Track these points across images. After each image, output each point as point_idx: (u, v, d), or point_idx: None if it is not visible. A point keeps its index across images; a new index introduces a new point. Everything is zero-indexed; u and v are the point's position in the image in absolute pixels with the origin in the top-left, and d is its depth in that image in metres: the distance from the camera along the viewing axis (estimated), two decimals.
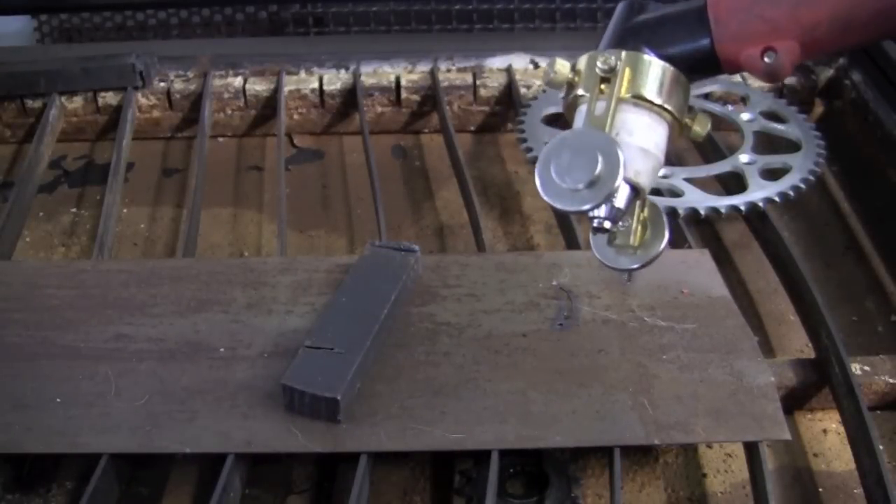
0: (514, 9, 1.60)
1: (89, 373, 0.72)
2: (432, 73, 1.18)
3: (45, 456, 0.70)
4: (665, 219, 0.66)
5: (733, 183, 0.98)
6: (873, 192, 1.06)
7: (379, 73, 1.20)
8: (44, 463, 0.72)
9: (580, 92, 0.63)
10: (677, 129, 0.64)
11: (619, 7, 0.65)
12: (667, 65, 0.62)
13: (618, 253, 0.68)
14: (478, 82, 1.17)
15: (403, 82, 1.17)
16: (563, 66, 0.63)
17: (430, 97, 1.17)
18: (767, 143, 1.05)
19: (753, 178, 0.96)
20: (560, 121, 1.09)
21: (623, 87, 0.61)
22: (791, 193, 0.94)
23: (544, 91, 1.14)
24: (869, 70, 1.14)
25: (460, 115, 1.18)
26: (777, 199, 0.93)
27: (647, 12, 0.64)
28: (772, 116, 1.07)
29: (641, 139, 0.62)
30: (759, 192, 0.94)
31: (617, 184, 0.58)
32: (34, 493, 0.70)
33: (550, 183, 0.59)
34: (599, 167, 0.58)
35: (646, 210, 0.67)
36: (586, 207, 0.59)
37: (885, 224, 1.00)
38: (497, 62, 1.21)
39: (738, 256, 0.96)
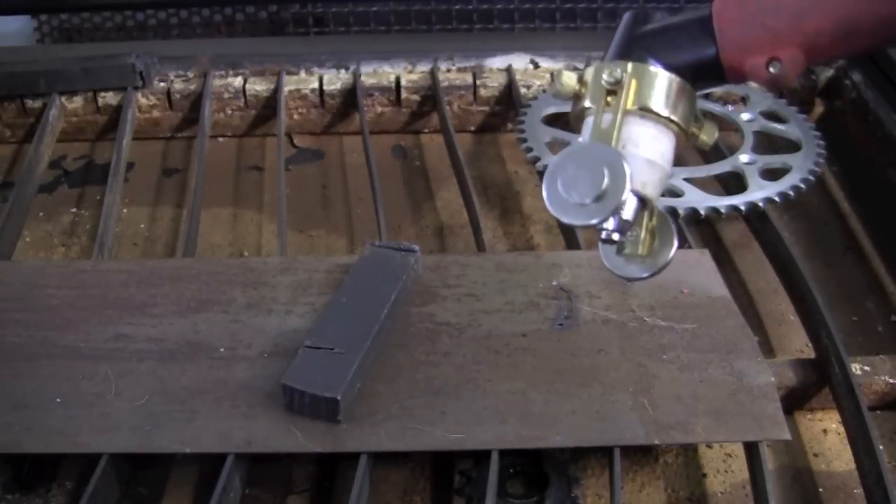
0: (514, 9, 1.60)
1: (89, 373, 0.72)
2: (432, 73, 1.19)
3: (45, 456, 0.70)
4: (673, 227, 0.66)
5: (733, 183, 0.98)
6: (873, 192, 1.06)
7: (379, 73, 1.20)
8: (44, 463, 0.72)
9: (587, 104, 0.63)
10: (683, 139, 0.64)
11: (625, 17, 0.64)
12: (673, 76, 0.61)
13: (627, 262, 0.68)
14: (478, 82, 1.17)
15: (403, 82, 1.17)
16: (569, 77, 0.63)
17: (430, 97, 1.17)
18: (767, 143, 1.05)
19: (753, 178, 0.96)
20: (560, 121, 1.09)
21: (629, 100, 0.61)
22: (791, 193, 0.94)
23: (544, 91, 1.14)
24: (869, 70, 1.14)
25: (460, 115, 1.18)
26: (777, 199, 0.93)
27: (653, 22, 0.63)
28: (772, 116, 1.08)
29: (648, 151, 0.62)
30: (759, 192, 0.94)
31: (623, 197, 0.58)
32: (34, 493, 0.70)
33: (557, 197, 0.60)
34: (606, 181, 0.58)
35: (654, 219, 0.67)
36: (594, 222, 0.59)
37: (885, 224, 1.00)
38: (497, 62, 1.21)
39: (738, 256, 0.96)
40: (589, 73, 0.63)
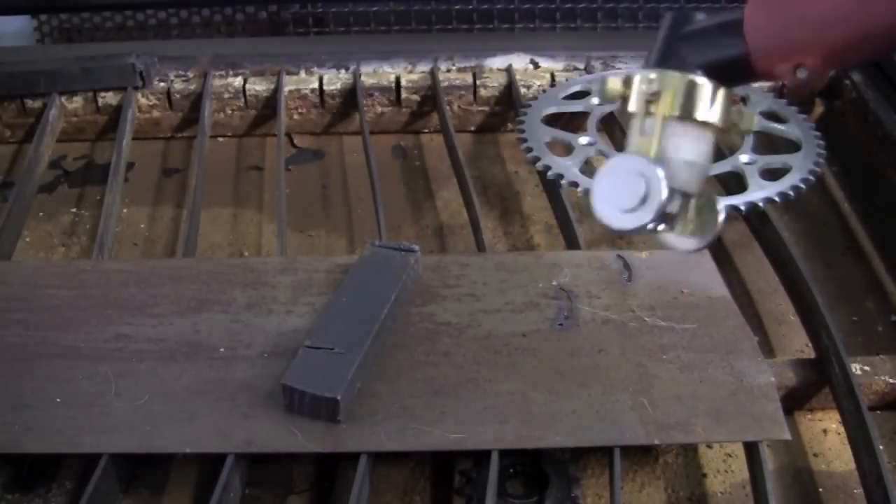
0: (514, 9, 1.60)
1: (89, 373, 0.72)
2: (432, 73, 1.18)
3: (45, 456, 0.70)
4: (717, 198, 0.69)
5: (733, 183, 0.98)
6: (873, 192, 1.06)
7: (379, 73, 1.20)
8: (44, 463, 0.72)
9: (630, 109, 0.66)
10: (722, 134, 0.66)
11: (666, 18, 0.67)
12: (710, 82, 0.64)
13: (679, 237, 0.70)
14: (478, 82, 1.17)
15: (403, 82, 1.17)
16: (614, 83, 0.67)
17: (430, 97, 1.17)
18: (767, 143, 1.05)
19: (753, 178, 0.96)
20: (560, 120, 1.09)
21: (669, 107, 0.64)
22: (791, 193, 0.94)
23: (544, 91, 1.14)
24: (869, 70, 1.14)
25: (460, 115, 1.18)
26: (777, 199, 0.93)
27: (692, 24, 0.66)
28: (772, 116, 1.07)
29: (688, 153, 0.64)
30: (759, 192, 0.94)
31: (662, 200, 0.62)
32: (34, 493, 0.70)
33: (604, 208, 0.64)
34: (644, 190, 0.62)
35: (699, 198, 0.69)
36: (638, 227, 0.63)
37: (885, 224, 1.00)
38: (497, 62, 1.21)
39: (738, 256, 0.96)
40: (633, 79, 0.66)
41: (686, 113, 0.63)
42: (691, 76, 0.63)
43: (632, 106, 0.66)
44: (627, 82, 0.66)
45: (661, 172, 0.62)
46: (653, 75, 0.64)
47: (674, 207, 0.64)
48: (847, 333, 0.85)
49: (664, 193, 0.62)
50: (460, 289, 0.81)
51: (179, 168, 1.13)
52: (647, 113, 0.64)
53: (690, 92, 0.63)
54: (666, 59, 0.65)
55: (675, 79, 0.64)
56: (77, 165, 1.14)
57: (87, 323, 0.77)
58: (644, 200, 0.63)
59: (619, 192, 0.63)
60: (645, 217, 0.62)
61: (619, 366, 0.73)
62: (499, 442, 0.67)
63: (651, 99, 0.64)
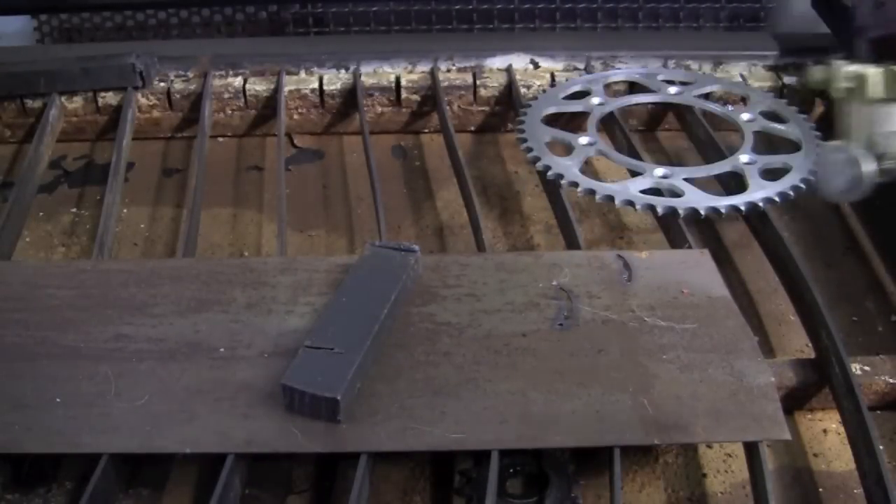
0: (514, 9, 1.60)
1: (89, 373, 0.72)
2: (432, 73, 1.18)
3: (45, 456, 0.71)
4: None
5: (733, 183, 0.98)
6: (873, 193, 1.05)
7: (379, 73, 1.20)
8: (44, 463, 0.72)
9: (836, 96, 0.77)
10: None
11: (860, 5, 0.78)
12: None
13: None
14: (478, 82, 1.17)
15: (403, 82, 1.17)
16: (819, 72, 0.79)
17: (430, 97, 1.17)
18: (767, 143, 1.05)
19: (753, 178, 0.96)
20: (560, 120, 1.09)
21: (870, 92, 0.74)
22: (791, 193, 0.94)
23: (544, 91, 1.14)
24: None
25: (460, 115, 1.18)
26: (777, 199, 0.93)
27: (880, 9, 0.77)
28: (772, 116, 1.07)
29: (889, 125, 0.75)
30: (759, 192, 0.94)
31: (871, 178, 0.76)
32: (34, 493, 0.70)
33: (828, 191, 0.80)
34: (854, 171, 0.77)
35: None
36: (860, 194, 0.78)
37: (885, 224, 1.00)
38: (497, 62, 1.21)
39: (738, 256, 0.96)
40: (837, 70, 0.76)
41: (889, 94, 0.73)
42: (888, 66, 0.73)
43: (837, 94, 0.76)
44: (830, 72, 0.77)
45: (864, 155, 0.75)
46: (853, 67, 0.74)
47: (890, 164, 0.76)
48: (847, 333, 0.85)
49: (871, 171, 0.75)
50: (460, 289, 0.81)
51: (179, 168, 1.13)
52: (851, 99, 0.75)
53: (889, 78, 0.74)
54: (863, 53, 0.76)
55: (873, 69, 0.74)
56: (77, 165, 1.14)
57: (87, 323, 0.77)
58: (858, 179, 0.76)
59: (836, 176, 0.77)
60: (863, 191, 0.76)
61: (619, 366, 0.73)
62: (499, 442, 0.68)
63: (853, 86, 0.75)
